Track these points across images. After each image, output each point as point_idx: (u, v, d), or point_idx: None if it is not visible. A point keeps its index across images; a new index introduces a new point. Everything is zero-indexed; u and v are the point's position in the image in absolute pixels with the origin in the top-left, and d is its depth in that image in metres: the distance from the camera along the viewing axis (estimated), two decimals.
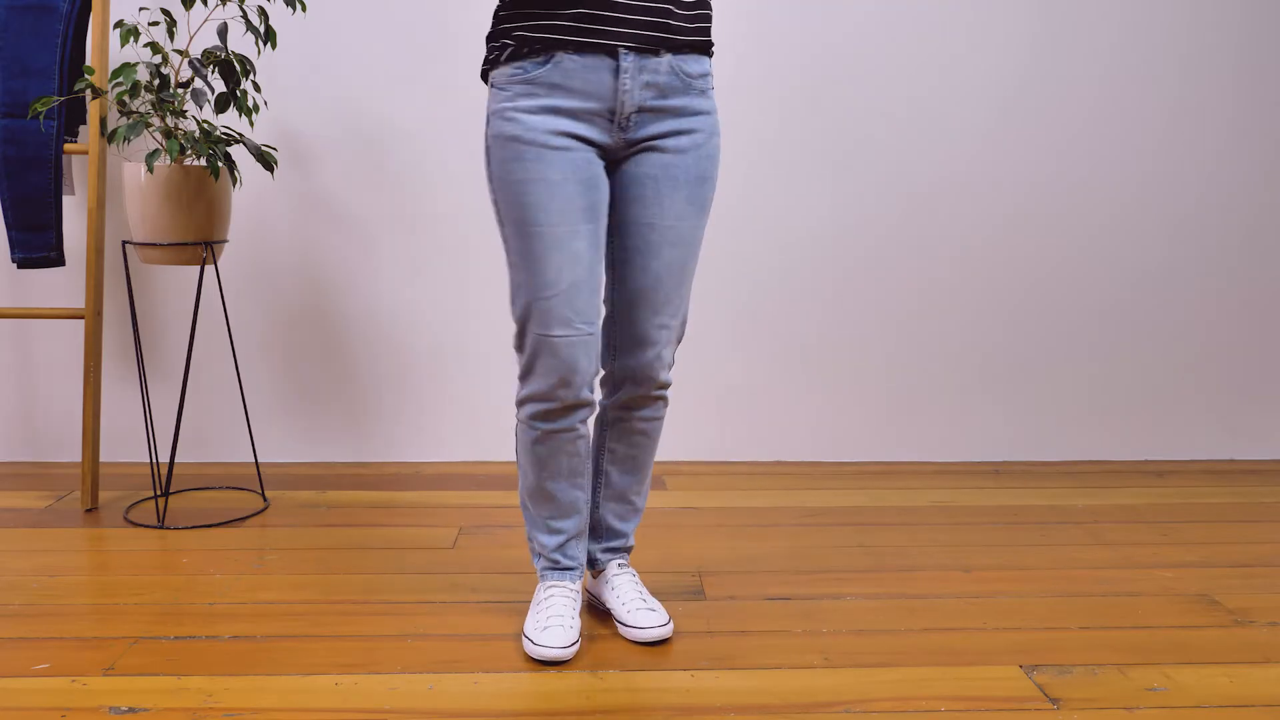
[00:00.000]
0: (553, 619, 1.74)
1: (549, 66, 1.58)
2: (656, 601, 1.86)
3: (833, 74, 2.86)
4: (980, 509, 2.60)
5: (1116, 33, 2.90)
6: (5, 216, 2.54)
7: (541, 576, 1.83)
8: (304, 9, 2.41)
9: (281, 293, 2.89)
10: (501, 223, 1.67)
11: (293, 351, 2.91)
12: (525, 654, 1.74)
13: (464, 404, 2.95)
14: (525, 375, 1.70)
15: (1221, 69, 2.94)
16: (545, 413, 1.70)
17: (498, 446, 2.96)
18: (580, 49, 1.58)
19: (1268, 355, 3.07)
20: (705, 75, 1.69)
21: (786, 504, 2.62)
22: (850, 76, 2.87)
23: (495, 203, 1.66)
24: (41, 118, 2.37)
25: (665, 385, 1.79)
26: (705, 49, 1.69)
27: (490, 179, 1.65)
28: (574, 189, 1.62)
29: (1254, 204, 3.00)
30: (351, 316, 2.91)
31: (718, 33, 2.82)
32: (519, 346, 1.69)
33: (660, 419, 1.85)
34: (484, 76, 1.69)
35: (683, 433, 2.98)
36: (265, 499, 2.60)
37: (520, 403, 1.72)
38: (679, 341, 1.81)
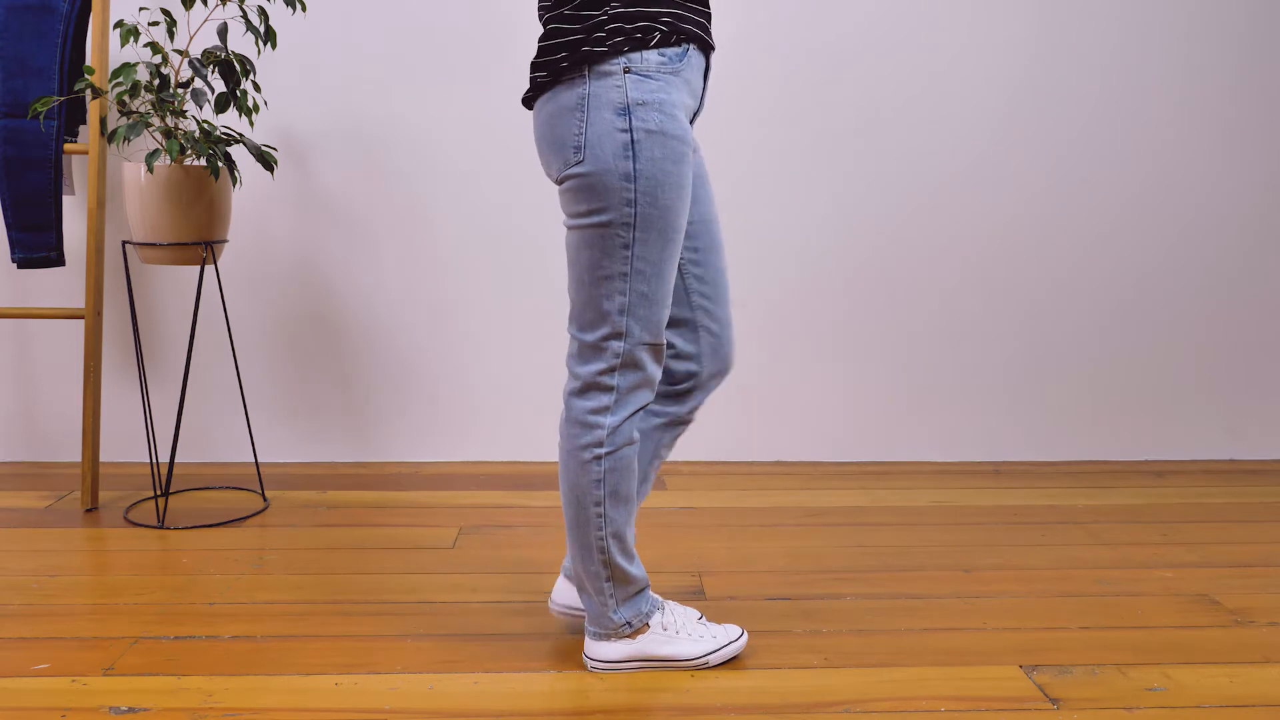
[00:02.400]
0: (701, 622, 1.73)
1: (683, 60, 1.50)
2: None
3: (834, 74, 2.86)
4: (980, 509, 2.60)
5: (1116, 33, 2.90)
6: (5, 216, 2.54)
7: (656, 605, 1.71)
8: (304, 9, 2.41)
9: (281, 293, 2.89)
10: (633, 225, 1.48)
11: (293, 351, 2.91)
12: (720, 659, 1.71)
13: (464, 404, 2.95)
14: (632, 389, 1.57)
15: (1221, 69, 2.94)
16: (639, 417, 1.61)
17: (498, 446, 2.96)
18: (703, 46, 1.54)
19: (1268, 355, 3.07)
20: None
21: (786, 504, 2.62)
22: (851, 77, 2.87)
23: (632, 202, 1.48)
24: (41, 118, 2.37)
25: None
26: None
27: (634, 176, 1.46)
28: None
29: (1254, 204, 3.00)
30: (351, 316, 2.91)
31: (722, 30, 2.82)
32: (618, 362, 1.55)
33: None
34: (593, 58, 1.47)
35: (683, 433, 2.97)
36: (265, 499, 2.60)
37: (616, 427, 1.57)
38: None
